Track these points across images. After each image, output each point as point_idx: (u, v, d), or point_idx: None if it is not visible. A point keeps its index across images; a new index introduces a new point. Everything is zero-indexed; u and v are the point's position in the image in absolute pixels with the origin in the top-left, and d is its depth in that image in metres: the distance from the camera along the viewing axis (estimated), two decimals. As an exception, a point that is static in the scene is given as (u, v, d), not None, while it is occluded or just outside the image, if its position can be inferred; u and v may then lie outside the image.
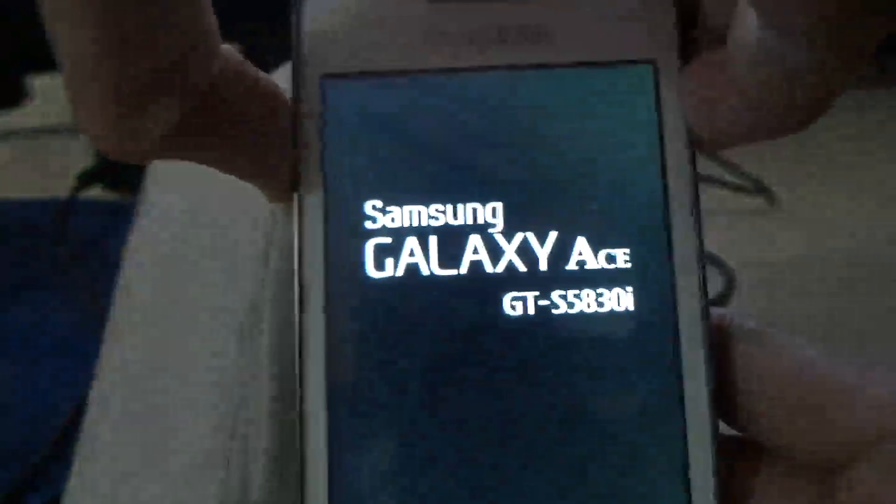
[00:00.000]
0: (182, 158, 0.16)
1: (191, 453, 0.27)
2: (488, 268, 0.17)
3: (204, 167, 0.17)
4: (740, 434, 0.18)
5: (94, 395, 0.30)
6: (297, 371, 0.17)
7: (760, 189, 0.50)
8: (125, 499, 0.27)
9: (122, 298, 0.33)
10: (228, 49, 0.16)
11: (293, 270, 0.17)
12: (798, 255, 0.46)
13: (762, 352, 0.17)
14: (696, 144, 0.17)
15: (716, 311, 0.18)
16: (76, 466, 0.29)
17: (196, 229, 0.33)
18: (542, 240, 0.17)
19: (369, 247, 0.17)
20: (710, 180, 0.48)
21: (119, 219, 0.53)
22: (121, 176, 0.56)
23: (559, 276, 0.17)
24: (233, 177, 0.17)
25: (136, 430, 0.28)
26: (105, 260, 0.49)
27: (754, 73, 0.15)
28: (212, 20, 0.15)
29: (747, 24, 0.14)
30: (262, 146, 0.17)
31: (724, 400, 0.17)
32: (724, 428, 0.17)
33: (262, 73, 0.16)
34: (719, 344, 0.17)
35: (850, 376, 0.16)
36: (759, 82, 0.15)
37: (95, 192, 0.55)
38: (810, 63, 0.14)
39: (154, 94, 0.14)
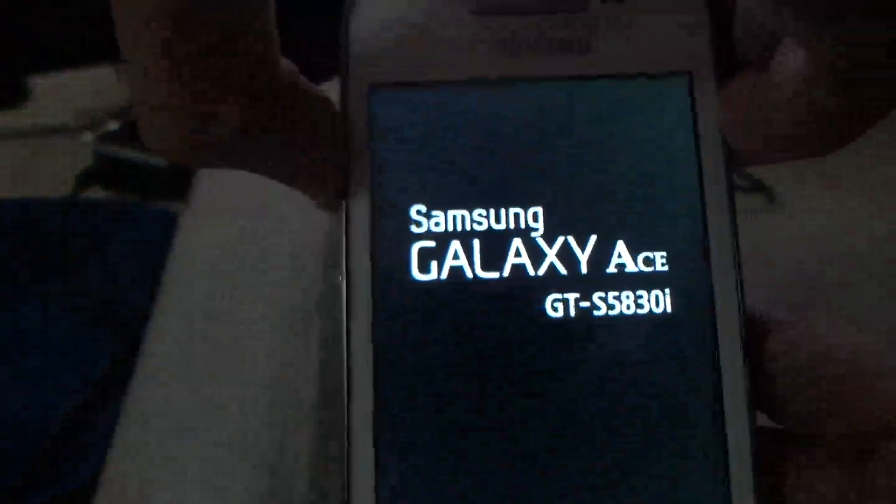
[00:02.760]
0: (237, 167, 0.17)
1: (239, 450, 0.28)
2: (530, 270, 0.18)
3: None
4: (776, 425, 0.18)
5: (135, 387, 0.30)
6: (344, 372, 0.17)
7: (760, 188, 0.50)
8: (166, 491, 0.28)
9: (169, 296, 0.33)
10: (286, 62, 0.16)
11: (341, 273, 0.18)
12: (798, 254, 0.46)
13: (794, 340, 0.17)
14: (733, 159, 0.18)
15: (748, 303, 0.18)
16: (117, 452, 0.29)
17: (253, 224, 0.34)
18: (582, 243, 0.18)
19: (414, 250, 0.18)
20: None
21: (119, 219, 0.54)
22: (121, 176, 0.56)
23: (599, 279, 0.18)
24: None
25: (183, 424, 0.29)
26: (105, 260, 0.49)
27: (793, 103, 0.16)
28: (275, 32, 0.15)
29: (792, 59, 0.15)
30: (313, 156, 0.17)
31: (760, 390, 0.17)
32: (760, 419, 0.18)
33: (314, 85, 0.17)
34: (752, 334, 0.18)
35: (885, 358, 0.17)
36: (796, 111, 0.16)
37: (95, 192, 0.56)
38: (850, 103, 0.15)
39: (219, 101, 0.15)
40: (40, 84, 0.64)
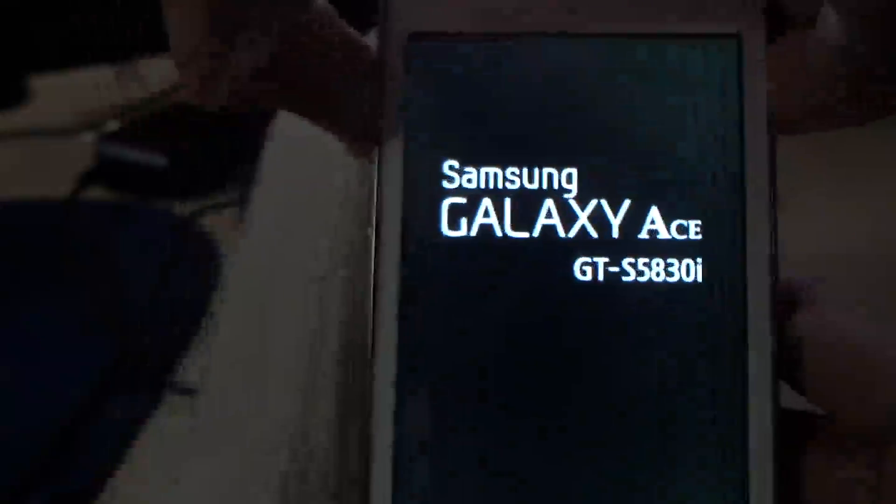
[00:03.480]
0: (268, 104, 0.17)
1: (266, 423, 0.29)
2: (561, 232, 0.18)
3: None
4: (798, 406, 0.18)
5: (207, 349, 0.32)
6: (369, 324, 0.17)
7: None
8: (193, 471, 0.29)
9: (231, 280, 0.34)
10: (322, 1, 0.16)
11: (371, 225, 0.18)
12: (799, 255, 0.46)
13: (815, 319, 0.17)
14: (776, 125, 0.17)
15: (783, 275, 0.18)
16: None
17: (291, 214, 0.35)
18: (615, 207, 0.18)
19: (445, 205, 0.18)
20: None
21: (119, 219, 0.54)
22: (121, 176, 0.56)
23: (631, 244, 0.18)
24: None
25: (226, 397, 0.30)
26: (105, 260, 0.49)
27: (837, 60, 0.15)
28: None
29: (828, 16, 0.15)
30: (346, 99, 0.17)
31: (787, 365, 0.17)
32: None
33: (351, 28, 0.17)
34: (784, 309, 0.17)
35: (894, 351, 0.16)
36: (842, 69, 0.15)
37: (96, 193, 0.55)
38: (883, 58, 0.14)
39: (247, 27, 0.15)
40: (40, 84, 0.64)
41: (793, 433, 0.17)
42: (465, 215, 0.18)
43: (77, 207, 0.52)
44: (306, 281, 0.31)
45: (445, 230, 0.18)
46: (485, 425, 0.17)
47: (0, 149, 0.63)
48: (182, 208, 0.54)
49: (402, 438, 0.17)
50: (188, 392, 0.39)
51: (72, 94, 0.67)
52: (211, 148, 0.58)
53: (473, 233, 0.18)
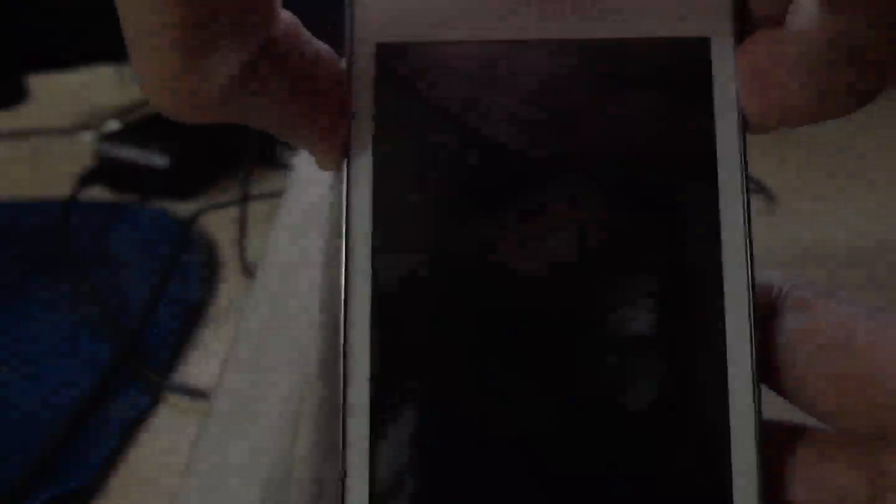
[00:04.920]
0: (237, 119, 0.16)
1: (268, 424, 0.29)
2: (534, 238, 0.18)
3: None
4: (783, 418, 0.18)
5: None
6: (341, 333, 0.17)
7: (760, 189, 0.50)
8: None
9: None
10: (287, 14, 0.16)
11: (341, 236, 0.17)
12: (798, 254, 0.46)
13: (809, 320, 0.17)
14: (747, 125, 0.17)
15: (765, 279, 0.17)
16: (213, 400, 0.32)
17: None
18: (589, 213, 0.18)
19: (416, 213, 0.18)
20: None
21: (119, 219, 0.54)
22: (121, 176, 0.56)
23: (605, 251, 0.17)
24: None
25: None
26: (105, 260, 0.49)
27: (810, 54, 0.15)
28: None
29: (806, 4, 0.15)
30: (315, 112, 0.17)
31: (773, 369, 0.17)
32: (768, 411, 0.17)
33: (317, 41, 0.17)
34: (768, 312, 0.17)
35: None
36: (814, 63, 0.15)
37: (95, 193, 0.55)
38: (868, 44, 0.14)
39: (214, 43, 0.15)
40: (40, 84, 0.64)
41: (784, 437, 0.17)
42: (433, 226, 0.18)
43: (77, 207, 0.52)
44: (311, 283, 0.31)
45: (417, 238, 0.18)
46: (460, 438, 0.17)
47: (0, 149, 0.63)
48: (182, 208, 0.54)
49: (375, 444, 0.17)
50: (189, 392, 0.39)
51: (72, 94, 0.67)
52: (211, 148, 0.58)
53: (445, 241, 0.17)
